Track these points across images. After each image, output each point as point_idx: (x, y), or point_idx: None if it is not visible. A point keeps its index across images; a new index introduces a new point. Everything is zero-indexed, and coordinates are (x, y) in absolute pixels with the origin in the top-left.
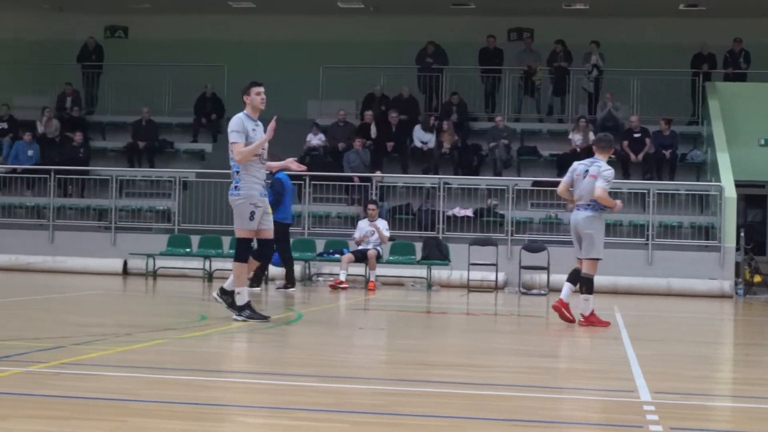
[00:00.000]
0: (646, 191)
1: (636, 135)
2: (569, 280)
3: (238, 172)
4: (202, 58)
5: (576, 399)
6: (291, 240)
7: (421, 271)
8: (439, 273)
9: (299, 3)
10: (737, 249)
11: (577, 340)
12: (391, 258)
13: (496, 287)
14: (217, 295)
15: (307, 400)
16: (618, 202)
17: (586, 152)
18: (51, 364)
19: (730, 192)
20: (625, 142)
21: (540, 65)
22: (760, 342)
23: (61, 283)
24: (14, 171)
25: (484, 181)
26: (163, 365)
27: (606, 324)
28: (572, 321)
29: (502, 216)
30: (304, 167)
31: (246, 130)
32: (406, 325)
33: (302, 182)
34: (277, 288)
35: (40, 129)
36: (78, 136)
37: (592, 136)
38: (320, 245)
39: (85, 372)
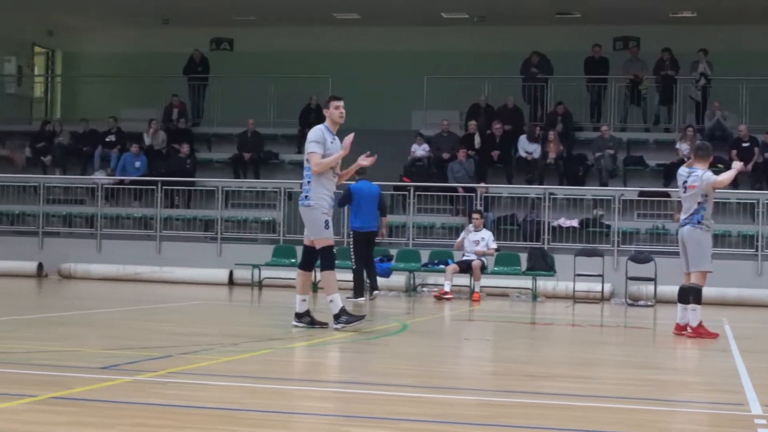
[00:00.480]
0: (755, 201)
1: (745, 144)
2: (680, 300)
3: (309, 182)
4: (307, 69)
5: (684, 412)
6: (373, 249)
7: (526, 282)
8: (545, 284)
9: (403, 14)
10: None
11: (685, 352)
12: (496, 269)
13: (602, 298)
14: (295, 322)
15: (412, 410)
16: (736, 163)
17: None
18: (159, 373)
19: None
20: (734, 152)
21: (646, 74)
22: None
23: (168, 292)
24: (122, 182)
25: (589, 191)
26: (269, 375)
27: (715, 336)
28: (714, 336)
29: (608, 226)
30: (373, 158)
31: (325, 142)
32: (511, 336)
33: (406, 193)
34: (347, 298)
35: (147, 141)
36: (184, 148)
37: None
38: (425, 256)
39: (193, 381)
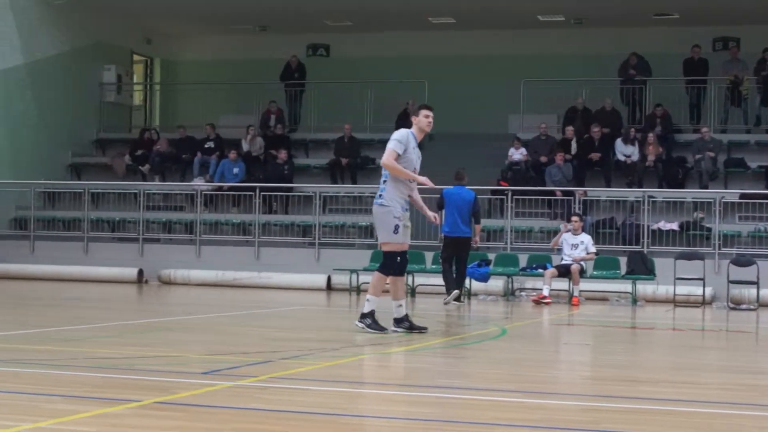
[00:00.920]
0: None
1: None
2: None
3: (385, 182)
4: (403, 74)
5: None
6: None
7: (625, 286)
8: (644, 288)
9: (499, 17)
10: None
11: None
12: (595, 273)
13: (703, 302)
14: (394, 327)
15: (512, 416)
16: None
17: None
18: (259, 378)
19: None
20: None
21: (747, 75)
22: None
23: (267, 298)
24: (220, 189)
25: (689, 194)
26: (369, 380)
27: None
28: None
29: (709, 229)
30: (424, 180)
31: (407, 145)
32: (611, 341)
33: (504, 197)
34: (445, 303)
35: (245, 147)
36: (282, 154)
37: None
38: (523, 260)
39: (293, 386)
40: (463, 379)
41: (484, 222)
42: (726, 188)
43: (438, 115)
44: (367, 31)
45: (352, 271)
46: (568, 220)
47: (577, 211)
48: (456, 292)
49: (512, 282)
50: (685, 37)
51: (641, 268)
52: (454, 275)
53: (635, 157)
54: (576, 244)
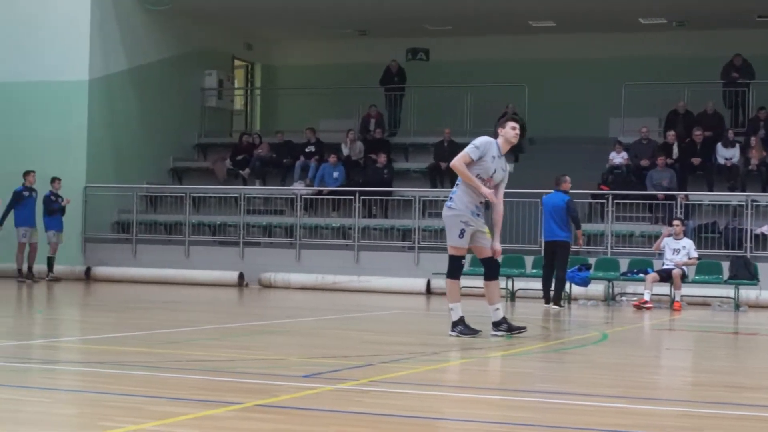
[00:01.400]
0: None
1: None
2: None
3: (457, 185)
4: (502, 77)
5: None
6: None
7: (728, 291)
8: (747, 293)
9: (600, 20)
10: None
11: None
12: (696, 278)
13: None
14: (493, 332)
15: (613, 421)
16: None
17: None
18: (360, 381)
19: None
20: None
21: None
22: None
23: (366, 302)
24: (320, 193)
25: None
26: (469, 384)
27: None
28: None
29: None
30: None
31: (485, 154)
32: (713, 346)
33: (604, 201)
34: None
35: (345, 151)
36: (382, 158)
37: None
38: (624, 264)
39: (393, 390)
40: (563, 384)
41: (585, 226)
42: None
43: (538, 119)
44: (466, 35)
45: None
46: (670, 225)
47: (678, 215)
48: (549, 307)
49: (613, 286)
50: None
51: (744, 273)
52: (554, 280)
53: (735, 159)
54: (678, 249)
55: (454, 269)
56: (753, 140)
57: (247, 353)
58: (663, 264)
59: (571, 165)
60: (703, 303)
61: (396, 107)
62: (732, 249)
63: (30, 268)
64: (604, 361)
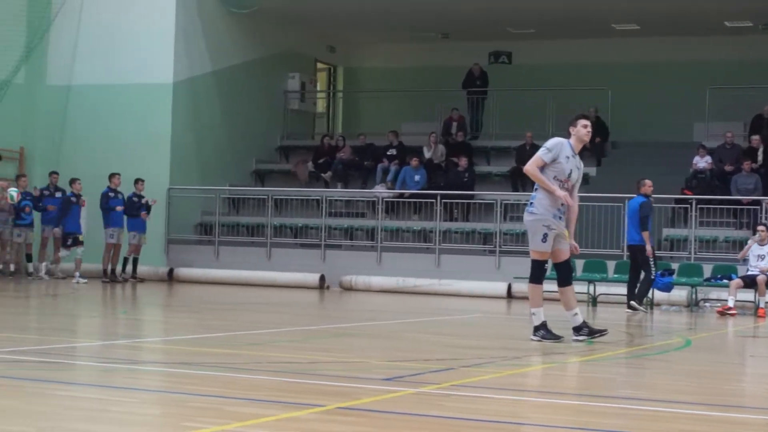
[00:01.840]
0: None
1: None
2: None
3: (537, 189)
4: (585, 81)
5: None
6: (652, 263)
7: None
8: None
9: (685, 24)
10: None
11: None
12: None
13: None
14: (574, 337)
15: (697, 428)
16: None
17: None
18: (442, 385)
19: None
20: None
21: None
22: None
23: (447, 305)
24: (401, 195)
25: None
26: (550, 389)
27: None
28: None
29: None
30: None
31: (558, 155)
32: None
33: (688, 206)
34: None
35: (427, 154)
36: (463, 161)
37: None
38: (707, 270)
39: (474, 394)
40: (644, 390)
41: (668, 231)
42: None
43: (621, 123)
44: (549, 38)
45: None
46: (755, 230)
47: (763, 221)
48: (632, 309)
49: (696, 292)
50: None
51: None
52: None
53: None
54: (762, 255)
55: (537, 273)
56: None
57: (329, 355)
58: (747, 270)
59: (654, 169)
60: None
61: (478, 110)
62: None
63: (113, 270)
64: (686, 368)
